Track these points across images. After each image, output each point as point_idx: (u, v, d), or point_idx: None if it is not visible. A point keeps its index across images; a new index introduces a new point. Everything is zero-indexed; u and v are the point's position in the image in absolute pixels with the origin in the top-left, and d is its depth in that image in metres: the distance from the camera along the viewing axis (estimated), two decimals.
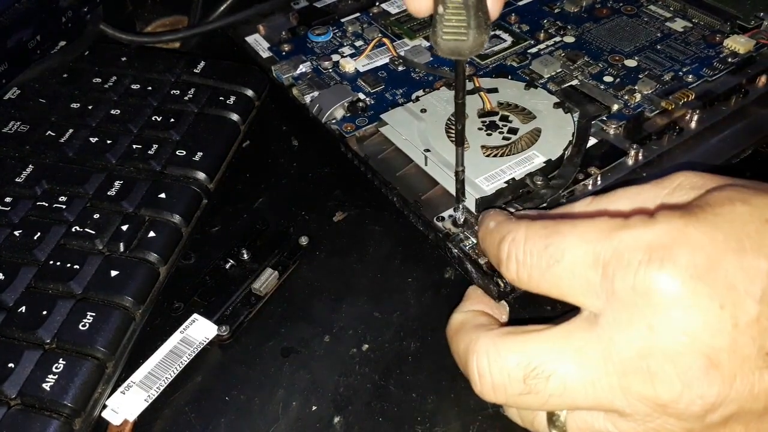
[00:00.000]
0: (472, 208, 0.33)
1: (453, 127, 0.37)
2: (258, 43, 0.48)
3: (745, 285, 0.21)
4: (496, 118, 0.37)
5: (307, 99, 0.42)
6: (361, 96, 0.42)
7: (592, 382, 0.23)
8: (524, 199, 0.33)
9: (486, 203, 0.33)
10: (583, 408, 0.24)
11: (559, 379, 0.23)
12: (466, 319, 0.28)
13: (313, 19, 0.49)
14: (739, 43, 0.42)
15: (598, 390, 0.23)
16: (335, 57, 0.45)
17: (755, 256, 0.22)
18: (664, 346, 0.22)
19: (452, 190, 0.34)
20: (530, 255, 0.25)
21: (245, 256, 0.35)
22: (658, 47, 0.43)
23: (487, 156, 0.35)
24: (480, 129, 0.37)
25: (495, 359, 0.24)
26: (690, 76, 0.40)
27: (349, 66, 0.44)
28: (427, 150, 0.36)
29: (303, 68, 0.44)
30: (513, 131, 0.37)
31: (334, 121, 0.40)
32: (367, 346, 0.32)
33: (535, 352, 0.24)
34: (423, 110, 0.38)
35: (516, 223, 0.26)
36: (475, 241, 0.33)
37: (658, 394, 0.22)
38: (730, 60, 0.41)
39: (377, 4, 0.50)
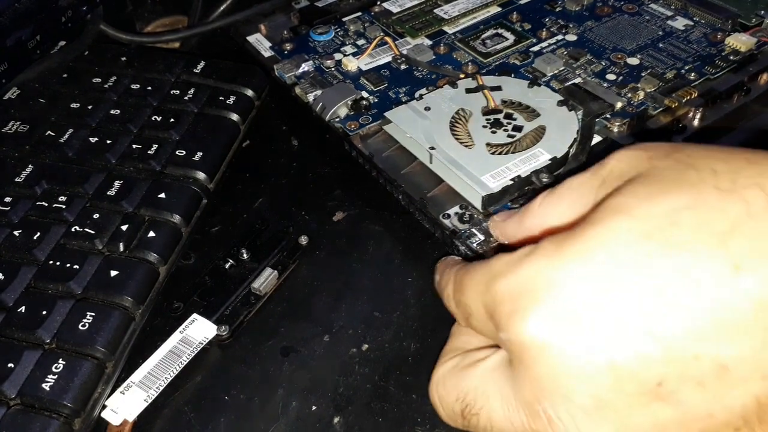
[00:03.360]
0: (479, 206, 0.33)
1: (457, 125, 0.37)
2: (260, 42, 0.48)
3: (612, 330, 0.20)
4: (500, 116, 0.37)
5: (310, 98, 0.42)
6: (364, 94, 0.41)
7: (510, 421, 0.23)
8: (530, 196, 0.33)
9: (492, 200, 0.33)
10: None
11: (486, 416, 0.24)
12: (444, 352, 0.28)
13: (315, 18, 0.49)
14: (740, 41, 0.41)
15: (517, 428, 0.23)
16: (337, 56, 0.45)
17: (621, 299, 0.21)
18: (550, 393, 0.21)
19: (457, 188, 0.34)
20: (455, 306, 0.26)
21: (245, 255, 0.35)
22: (660, 45, 0.43)
23: (493, 153, 0.35)
24: (485, 127, 0.37)
25: (442, 394, 0.26)
26: (692, 74, 0.40)
27: (351, 65, 0.44)
28: (432, 148, 0.35)
29: (305, 67, 0.44)
30: (517, 129, 0.36)
31: (337, 119, 0.40)
32: (367, 346, 0.32)
33: (466, 388, 0.25)
34: (427, 108, 0.38)
35: (447, 274, 0.27)
36: (482, 238, 0.32)
37: None
38: (731, 58, 0.41)
39: (379, 2, 0.49)
